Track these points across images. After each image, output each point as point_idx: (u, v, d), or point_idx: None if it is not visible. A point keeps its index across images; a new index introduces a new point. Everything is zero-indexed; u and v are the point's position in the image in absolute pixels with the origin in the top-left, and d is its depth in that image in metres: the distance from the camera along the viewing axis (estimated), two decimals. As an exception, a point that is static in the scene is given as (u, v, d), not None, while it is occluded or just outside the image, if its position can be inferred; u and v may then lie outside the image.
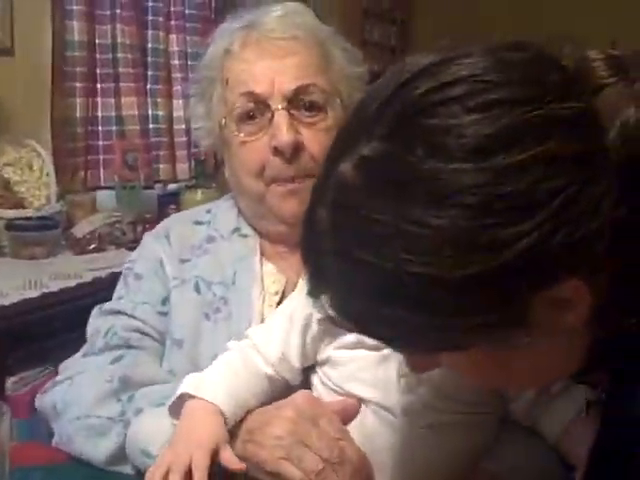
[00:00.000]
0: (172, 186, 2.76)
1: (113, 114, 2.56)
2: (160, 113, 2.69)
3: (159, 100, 2.69)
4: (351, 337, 0.80)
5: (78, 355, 1.02)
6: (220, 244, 1.04)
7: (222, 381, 0.81)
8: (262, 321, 0.97)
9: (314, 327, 0.83)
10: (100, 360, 0.97)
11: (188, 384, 0.81)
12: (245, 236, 1.05)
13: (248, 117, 0.98)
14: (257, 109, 0.97)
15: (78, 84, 2.43)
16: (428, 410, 0.77)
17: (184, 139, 2.74)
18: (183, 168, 2.78)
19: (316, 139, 0.97)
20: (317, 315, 0.82)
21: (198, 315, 0.99)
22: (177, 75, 2.74)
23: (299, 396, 0.81)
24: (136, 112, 2.60)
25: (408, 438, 0.77)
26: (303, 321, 0.84)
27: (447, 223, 0.46)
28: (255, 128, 0.98)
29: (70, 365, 1.01)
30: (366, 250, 0.49)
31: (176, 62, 2.74)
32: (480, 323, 0.49)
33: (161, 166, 2.72)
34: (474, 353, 0.52)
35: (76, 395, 0.93)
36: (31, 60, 2.32)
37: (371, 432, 0.79)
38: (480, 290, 0.47)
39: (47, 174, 2.27)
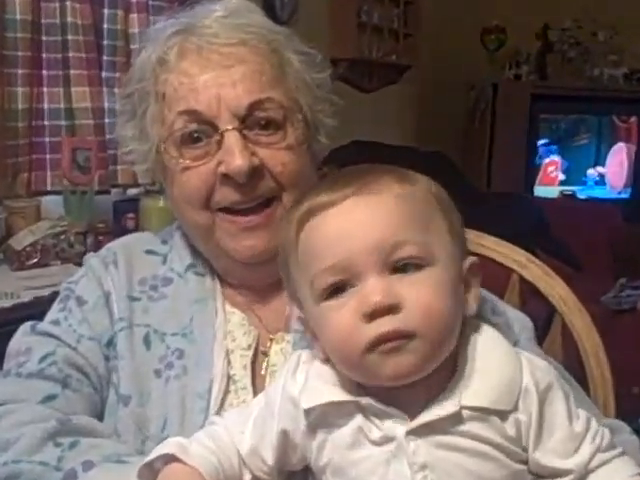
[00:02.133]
0: (132, 191, 2.76)
1: (62, 106, 2.54)
2: (117, 106, 2.68)
3: (116, 90, 2.65)
4: (348, 430, 0.78)
5: None
6: (177, 285, 1.03)
7: (208, 452, 0.80)
8: (228, 383, 0.96)
9: (302, 419, 0.81)
10: (29, 390, 0.94)
11: (173, 446, 0.79)
12: (201, 275, 1.03)
13: (191, 140, 0.96)
14: (202, 130, 0.96)
15: (20, 70, 2.40)
16: None
17: (146, 136, 2.72)
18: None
19: (277, 158, 0.96)
20: (306, 403, 0.80)
21: (147, 371, 0.97)
22: (138, 61, 2.73)
23: None
24: (89, 104, 2.58)
25: None
26: (288, 411, 0.82)
27: None
28: (200, 152, 0.96)
29: None
30: None
31: (137, 46, 2.69)
32: None
33: (119, 167, 2.70)
34: None
35: (3, 439, 0.88)
36: (-36, 42, 2.31)
37: None
38: None
39: (-18, 176, 2.27)
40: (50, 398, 0.94)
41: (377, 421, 0.77)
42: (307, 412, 0.80)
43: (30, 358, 0.97)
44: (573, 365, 1.13)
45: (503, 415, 0.77)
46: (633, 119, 5.07)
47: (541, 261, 1.29)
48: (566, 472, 0.78)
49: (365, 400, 0.77)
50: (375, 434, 0.77)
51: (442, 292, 0.76)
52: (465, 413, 0.76)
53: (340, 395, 0.79)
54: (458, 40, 4.89)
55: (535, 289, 1.28)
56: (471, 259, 0.83)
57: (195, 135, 0.96)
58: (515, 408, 0.77)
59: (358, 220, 0.77)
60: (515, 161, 4.85)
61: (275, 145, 0.97)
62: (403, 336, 0.73)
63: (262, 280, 1.02)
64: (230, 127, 0.94)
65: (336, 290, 0.77)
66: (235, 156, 0.93)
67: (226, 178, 0.95)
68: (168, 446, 0.79)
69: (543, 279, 1.27)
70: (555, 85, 4.89)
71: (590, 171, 5.16)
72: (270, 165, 0.96)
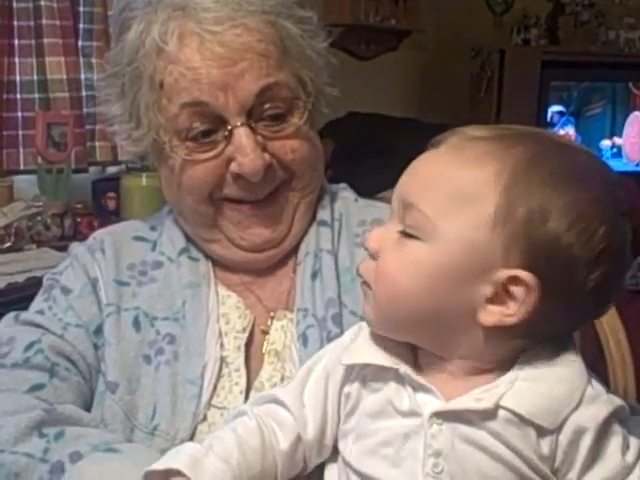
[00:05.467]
0: (112, 169, 2.77)
1: (35, 78, 2.56)
2: (95, 77, 2.66)
3: (94, 61, 2.69)
4: (379, 397, 0.80)
5: None
6: (168, 269, 1.05)
7: (226, 469, 0.78)
8: (221, 366, 0.97)
9: (347, 387, 0.83)
10: (14, 380, 0.96)
11: (182, 460, 0.78)
12: (195, 260, 1.06)
13: (197, 134, 0.98)
14: (207, 123, 0.97)
15: (-11, 40, 2.42)
16: None
17: (127, 109, 2.73)
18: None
19: (286, 147, 0.99)
20: (346, 359, 0.82)
21: (136, 357, 0.99)
22: (117, 29, 2.72)
23: None
24: (64, 75, 2.59)
25: None
26: (339, 383, 0.84)
27: None
28: (207, 147, 0.98)
29: None
30: None
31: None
32: None
33: (97, 144, 2.72)
34: None
35: None
36: None
37: None
38: None
39: (-50, 154, 2.27)
40: (37, 388, 0.95)
41: (410, 392, 0.78)
42: (346, 370, 0.83)
43: (14, 347, 0.99)
44: (590, 348, 1.13)
45: (541, 431, 0.75)
46: (651, 86, 5.06)
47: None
48: None
49: (404, 369, 0.78)
50: (405, 405, 0.78)
51: None
52: (501, 414, 0.74)
53: (381, 359, 0.80)
54: (462, 3, 4.87)
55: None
56: (510, 272, 0.75)
57: (201, 129, 0.97)
58: (558, 429, 0.75)
59: None
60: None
61: (282, 132, 0.99)
62: None
63: (263, 264, 1.06)
64: (240, 122, 0.96)
65: None
66: (248, 156, 0.96)
67: (237, 177, 0.98)
68: (179, 458, 0.78)
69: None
70: (567, 50, 4.86)
71: (605, 142, 5.14)
72: (280, 154, 0.99)
